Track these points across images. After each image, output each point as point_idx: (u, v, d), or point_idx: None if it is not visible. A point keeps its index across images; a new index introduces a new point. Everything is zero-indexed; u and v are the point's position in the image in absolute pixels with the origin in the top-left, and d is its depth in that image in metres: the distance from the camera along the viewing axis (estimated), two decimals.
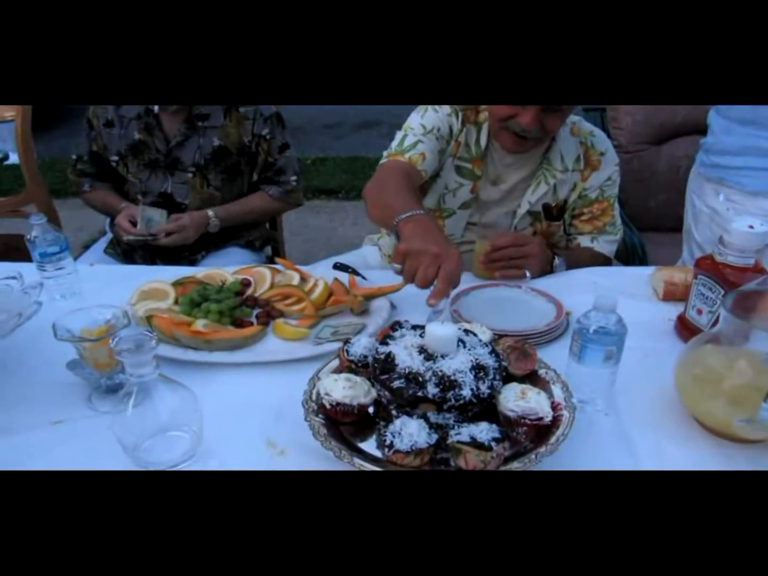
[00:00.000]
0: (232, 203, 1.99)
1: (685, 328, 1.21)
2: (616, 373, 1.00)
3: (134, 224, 1.83)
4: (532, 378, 0.96)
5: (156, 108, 1.88)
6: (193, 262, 1.95)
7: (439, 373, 0.83)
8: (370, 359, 0.93)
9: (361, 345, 0.96)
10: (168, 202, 1.93)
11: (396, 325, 0.96)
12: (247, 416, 0.99)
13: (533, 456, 0.81)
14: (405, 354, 0.86)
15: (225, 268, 1.43)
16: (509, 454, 0.81)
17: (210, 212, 1.91)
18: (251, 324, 1.24)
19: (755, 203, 1.52)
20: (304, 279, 1.37)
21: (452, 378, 0.82)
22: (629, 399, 1.04)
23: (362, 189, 1.49)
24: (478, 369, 0.84)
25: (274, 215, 2.24)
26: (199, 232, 1.89)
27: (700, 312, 1.17)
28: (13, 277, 1.22)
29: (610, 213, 1.64)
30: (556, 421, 0.86)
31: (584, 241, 1.66)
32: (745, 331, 0.92)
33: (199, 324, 1.18)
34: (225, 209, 1.95)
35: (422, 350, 0.87)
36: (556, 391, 0.94)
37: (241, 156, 1.95)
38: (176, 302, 1.28)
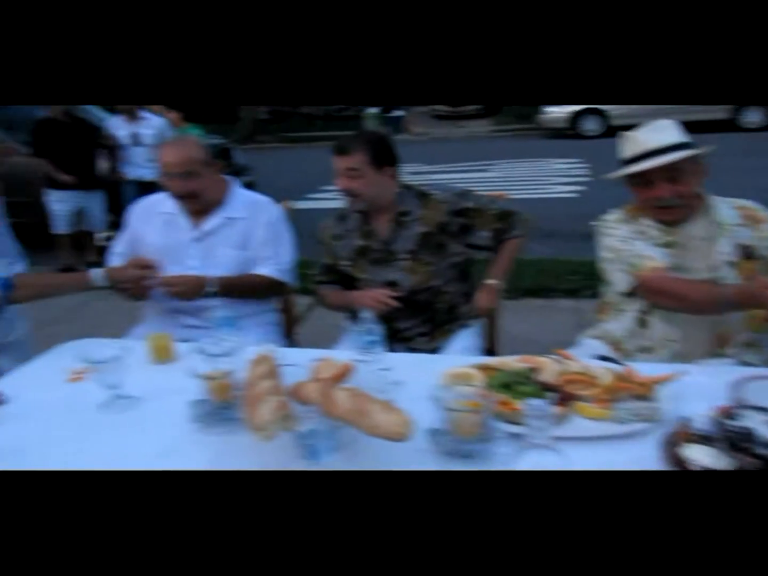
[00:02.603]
0: (500, 259, 2.25)
1: None
2: None
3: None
4: None
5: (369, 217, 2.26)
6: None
7: None
8: (715, 432, 1.11)
9: (702, 421, 1.15)
10: (392, 287, 2.22)
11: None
12: None
13: None
14: (764, 428, 1.03)
15: (508, 357, 1.66)
16: None
17: (490, 281, 2.20)
18: (555, 405, 1.44)
19: None
20: (584, 369, 1.58)
21: None
22: None
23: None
24: None
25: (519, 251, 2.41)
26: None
27: None
28: (360, 360, 1.50)
29: None
30: None
31: None
32: None
33: (518, 404, 1.40)
34: (498, 269, 2.23)
35: None
36: None
37: (442, 234, 2.23)
38: (485, 384, 1.51)
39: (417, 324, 2.28)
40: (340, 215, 2.36)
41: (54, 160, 5.23)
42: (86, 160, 5.44)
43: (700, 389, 1.50)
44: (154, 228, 2.27)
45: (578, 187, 8.21)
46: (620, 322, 2.05)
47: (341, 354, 1.58)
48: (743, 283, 1.83)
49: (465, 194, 2.29)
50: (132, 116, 5.62)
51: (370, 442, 1.18)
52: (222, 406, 1.39)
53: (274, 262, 2.27)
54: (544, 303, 4.34)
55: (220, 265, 2.20)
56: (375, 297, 2.16)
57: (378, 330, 1.63)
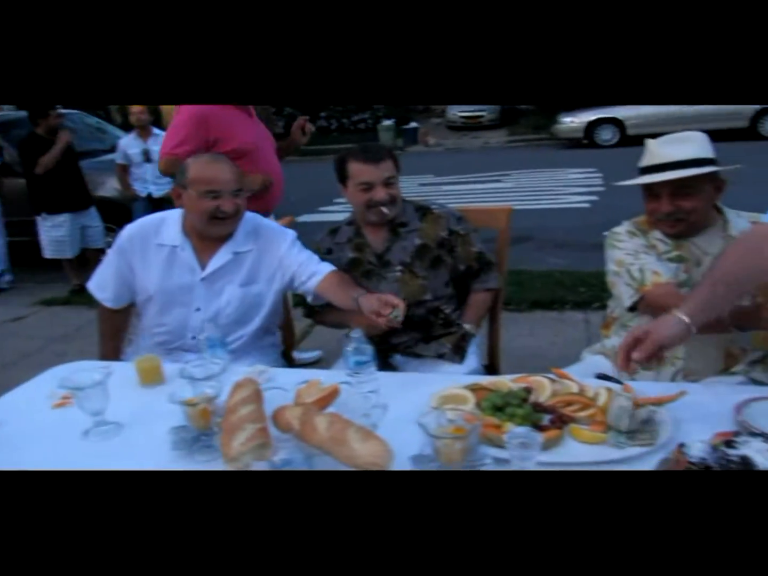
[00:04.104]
0: (472, 310, 2.21)
1: None
2: None
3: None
4: None
5: (363, 229, 2.20)
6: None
7: None
8: (711, 462, 1.04)
9: (698, 449, 1.08)
10: None
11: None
12: None
13: None
14: (762, 458, 0.97)
15: (503, 377, 1.61)
16: None
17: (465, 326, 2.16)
18: (548, 428, 1.39)
19: None
20: (582, 389, 1.52)
21: None
22: None
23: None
24: None
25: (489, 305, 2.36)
26: None
27: None
28: (346, 383, 1.46)
29: None
30: None
31: None
32: None
33: (509, 427, 1.34)
34: (471, 318, 2.18)
35: None
36: None
37: (441, 249, 2.17)
38: (477, 406, 1.46)
39: (411, 340, 2.22)
40: (333, 229, 2.31)
41: (43, 179, 5.17)
42: (75, 178, 5.39)
43: (704, 411, 1.44)
44: (152, 263, 2.08)
45: (592, 197, 8.11)
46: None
47: (329, 376, 1.53)
48: (745, 303, 1.77)
49: (461, 219, 2.24)
50: (144, 132, 5.66)
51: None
52: (203, 433, 1.35)
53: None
54: (555, 316, 4.27)
55: (225, 305, 2.08)
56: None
57: (368, 350, 1.59)
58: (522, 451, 0.99)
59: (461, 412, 1.25)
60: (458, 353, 2.20)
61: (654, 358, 1.40)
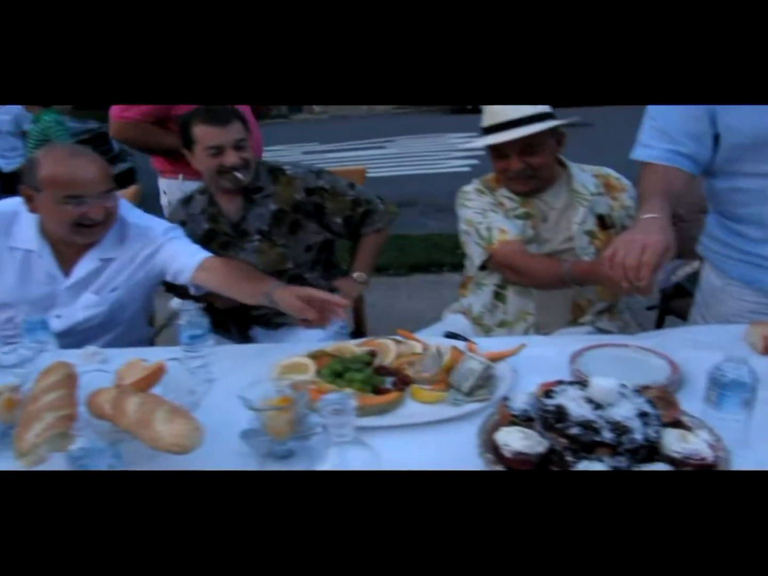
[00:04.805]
0: (361, 255, 2.13)
1: None
2: (750, 420, 1.09)
3: None
4: (677, 425, 1.05)
5: (216, 197, 2.05)
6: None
7: (612, 420, 0.93)
8: (533, 412, 1.03)
9: (521, 400, 1.07)
10: None
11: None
12: None
13: None
14: (575, 405, 0.96)
15: (348, 341, 1.55)
16: None
17: (356, 273, 2.07)
18: (389, 390, 1.35)
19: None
20: (425, 348, 1.49)
21: (624, 424, 0.92)
22: (764, 444, 1.12)
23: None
24: (643, 415, 0.95)
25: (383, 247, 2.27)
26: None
27: None
28: (175, 359, 1.35)
29: None
30: (716, 461, 0.95)
31: None
32: None
33: (347, 393, 1.29)
34: (360, 264, 2.10)
35: (589, 401, 0.97)
36: (704, 435, 1.03)
37: (297, 213, 2.06)
38: (317, 374, 1.40)
39: (271, 312, 2.13)
40: (186, 198, 2.14)
41: None
42: None
43: (544, 363, 1.45)
44: (4, 268, 1.78)
45: (473, 161, 8.24)
46: (479, 297, 1.98)
47: (159, 353, 1.42)
48: (585, 260, 1.80)
49: (321, 173, 2.13)
50: None
51: None
52: (9, 427, 1.20)
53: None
54: (434, 278, 4.30)
55: (88, 311, 1.83)
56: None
57: (203, 323, 1.48)
58: (336, 418, 0.93)
59: (291, 382, 1.18)
60: None
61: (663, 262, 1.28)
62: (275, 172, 2.10)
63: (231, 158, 1.93)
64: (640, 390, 1.09)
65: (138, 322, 2.03)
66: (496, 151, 1.85)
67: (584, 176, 1.93)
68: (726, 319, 1.70)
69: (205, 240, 2.06)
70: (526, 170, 1.82)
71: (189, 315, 1.46)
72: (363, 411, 1.25)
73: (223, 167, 1.94)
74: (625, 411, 0.94)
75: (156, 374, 1.28)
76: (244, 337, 2.14)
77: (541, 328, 1.90)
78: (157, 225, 1.92)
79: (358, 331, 2.39)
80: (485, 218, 1.89)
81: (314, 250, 2.13)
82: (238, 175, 1.96)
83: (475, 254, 1.91)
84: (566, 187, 1.91)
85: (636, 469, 0.90)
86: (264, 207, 2.06)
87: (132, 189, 2.25)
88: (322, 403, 0.94)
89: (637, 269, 1.24)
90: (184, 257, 1.85)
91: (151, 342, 2.20)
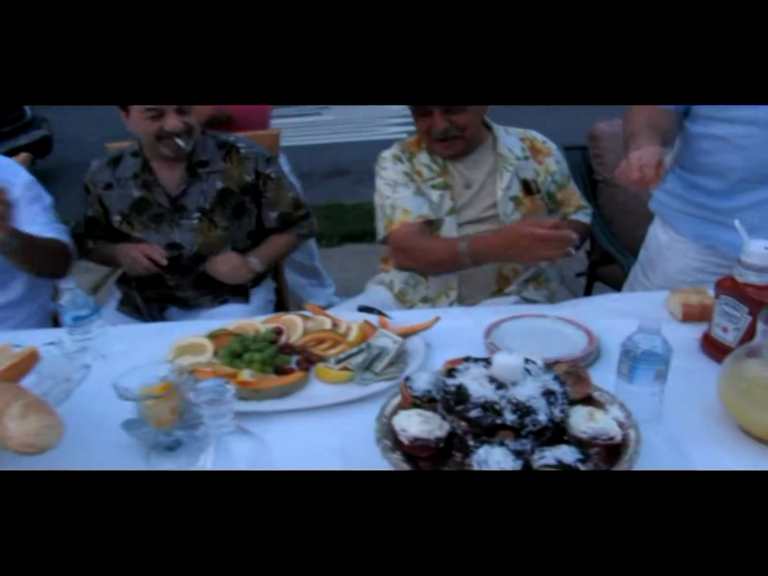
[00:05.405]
0: (271, 247, 2.01)
1: (713, 346, 1.26)
2: (663, 392, 1.04)
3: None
4: (588, 401, 0.99)
5: (152, 163, 1.90)
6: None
7: (514, 401, 0.86)
8: (435, 393, 0.95)
9: (424, 380, 0.98)
10: (176, 250, 1.91)
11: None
12: (313, 461, 0.99)
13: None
14: (476, 384, 0.89)
15: (254, 318, 1.45)
16: None
17: (252, 259, 1.93)
18: (293, 371, 1.25)
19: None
20: (335, 323, 1.40)
21: (527, 404, 0.85)
22: (677, 416, 1.08)
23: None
24: (548, 394, 0.88)
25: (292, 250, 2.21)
26: (237, 275, 1.92)
27: (726, 330, 1.23)
28: (52, 343, 1.21)
29: (576, 194, 1.90)
30: (624, 440, 0.90)
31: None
32: None
33: (246, 374, 1.19)
34: (262, 254, 1.97)
35: (492, 380, 0.90)
36: (614, 411, 0.97)
37: (245, 195, 1.94)
38: (215, 355, 1.29)
39: (200, 296, 1.99)
40: (114, 158, 1.95)
41: None
42: None
43: (460, 336, 1.38)
44: None
45: (410, 128, 8.09)
46: (400, 273, 1.90)
47: (33, 337, 1.27)
48: (480, 236, 1.68)
49: (271, 160, 1.99)
50: None
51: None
52: None
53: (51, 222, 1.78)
54: (365, 248, 4.19)
55: None
56: (142, 252, 1.85)
57: (87, 302, 1.35)
58: (212, 408, 0.83)
59: (177, 366, 1.07)
60: (240, 293, 2.00)
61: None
62: (227, 147, 1.94)
63: (172, 122, 1.77)
64: (550, 365, 1.03)
65: (27, 293, 1.85)
66: (419, 109, 1.75)
67: (510, 139, 1.85)
68: (671, 277, 1.70)
69: (134, 209, 1.90)
70: (450, 129, 1.70)
71: (71, 294, 1.32)
72: (261, 394, 1.16)
73: (162, 132, 1.78)
74: (529, 390, 0.87)
75: (27, 362, 1.14)
76: (161, 318, 1.99)
77: (465, 300, 1.83)
78: (17, 178, 1.75)
79: (281, 306, 2.28)
80: (394, 192, 1.78)
81: (252, 239, 2.01)
82: (180, 141, 1.80)
83: (379, 228, 1.83)
84: (491, 150, 1.82)
85: (539, 451, 0.83)
86: (208, 183, 1.90)
87: (23, 155, 2.04)
88: (196, 393, 0.84)
89: (653, 167, 1.32)
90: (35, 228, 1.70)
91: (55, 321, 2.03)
